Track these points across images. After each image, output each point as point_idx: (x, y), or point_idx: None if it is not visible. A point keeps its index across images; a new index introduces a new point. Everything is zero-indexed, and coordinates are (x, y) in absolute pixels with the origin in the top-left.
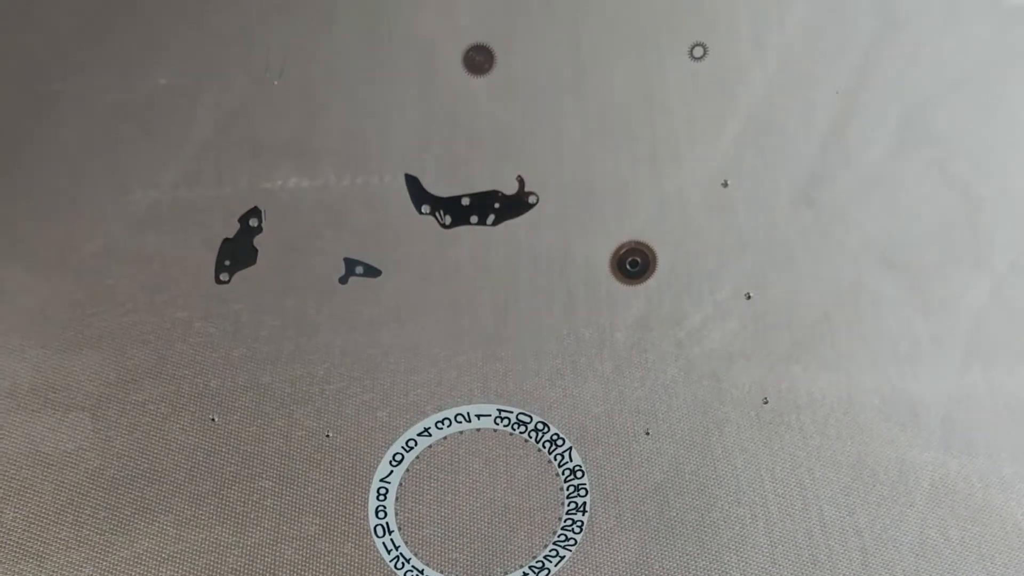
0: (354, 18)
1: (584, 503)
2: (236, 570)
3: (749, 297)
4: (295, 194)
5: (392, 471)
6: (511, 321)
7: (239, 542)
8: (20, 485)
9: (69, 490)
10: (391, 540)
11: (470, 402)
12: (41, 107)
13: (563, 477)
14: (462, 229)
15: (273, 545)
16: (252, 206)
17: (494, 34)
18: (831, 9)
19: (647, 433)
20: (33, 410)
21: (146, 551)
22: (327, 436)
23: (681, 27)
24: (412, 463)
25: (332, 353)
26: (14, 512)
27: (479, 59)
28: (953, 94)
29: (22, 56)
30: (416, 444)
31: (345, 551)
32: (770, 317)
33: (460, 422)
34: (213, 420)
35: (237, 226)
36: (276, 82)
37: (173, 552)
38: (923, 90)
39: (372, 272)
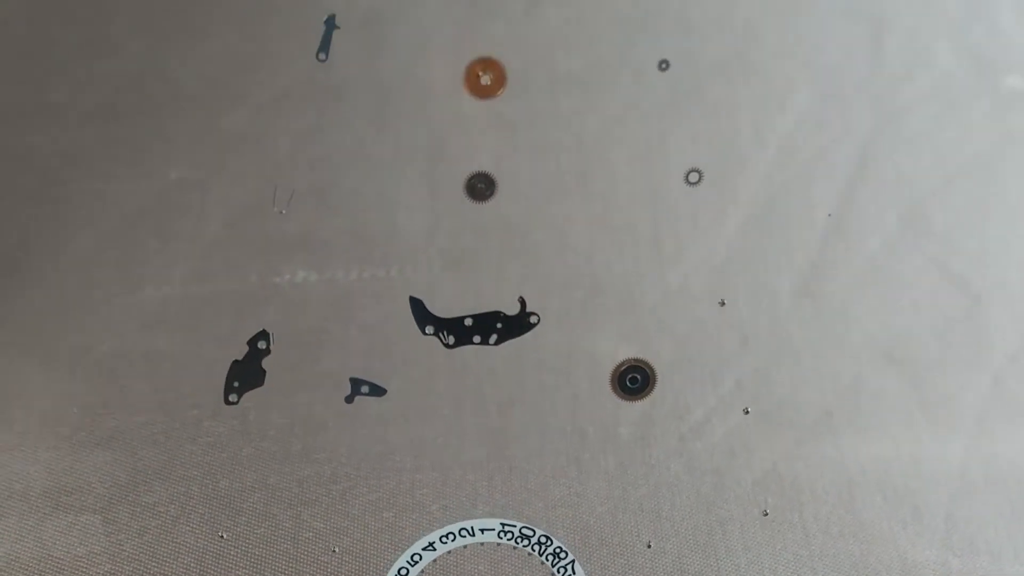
0: (363, 116)
1: None
2: None
3: (747, 412)
4: (303, 289)
5: None
6: (516, 419)
7: None
8: None
9: None
10: None
11: (475, 503)
12: (54, 208)
13: None
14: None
15: None
16: (261, 302)
17: (498, 137)
18: (830, 98)
19: (648, 546)
20: (45, 513)
21: None
22: (333, 551)
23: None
24: None
25: (339, 452)
26: None
27: (480, 186)
28: (951, 186)
29: (34, 158)
30: (421, 558)
31: None
32: (772, 413)
33: (464, 536)
34: (222, 537)
35: (244, 322)
36: (283, 211)
37: None
38: (922, 182)
39: (377, 391)
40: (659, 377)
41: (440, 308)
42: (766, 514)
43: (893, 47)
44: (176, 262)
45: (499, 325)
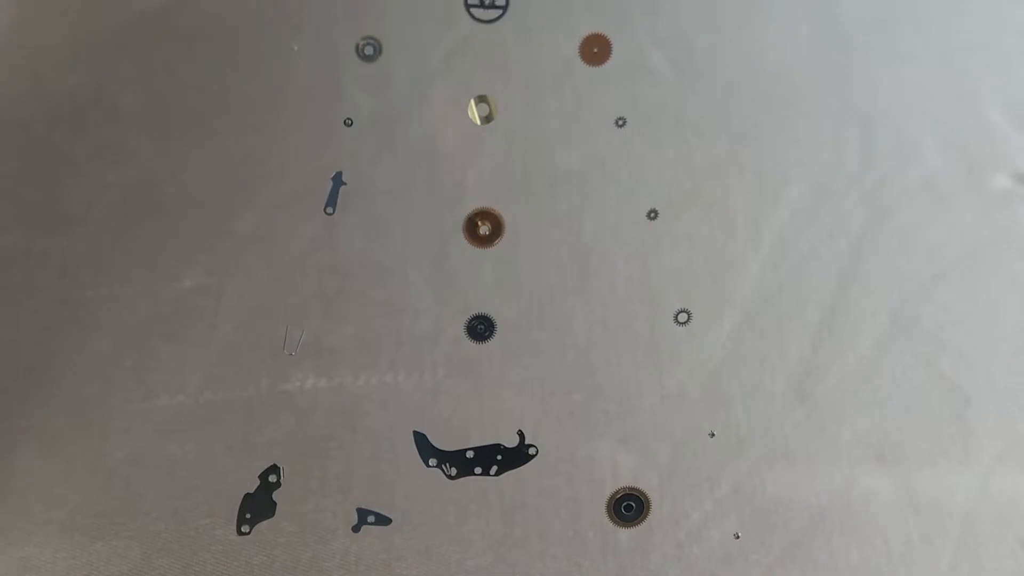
0: (371, 223)
1: None
2: None
3: (738, 537)
4: (312, 396)
5: None
6: (519, 524)
7: None
8: None
9: None
10: None
11: None
12: (70, 313)
13: None
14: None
15: None
16: (272, 409)
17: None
18: (822, 194)
19: None
20: None
21: None
22: None
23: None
24: None
25: (348, 560)
26: None
27: (480, 328)
28: (940, 284)
29: (51, 263)
30: None
31: None
32: (767, 516)
33: None
34: None
35: (256, 429)
36: (292, 353)
37: None
38: (912, 281)
39: (383, 521)
40: (653, 501)
41: (444, 412)
42: None
43: (883, 143)
44: (189, 368)
45: (499, 457)
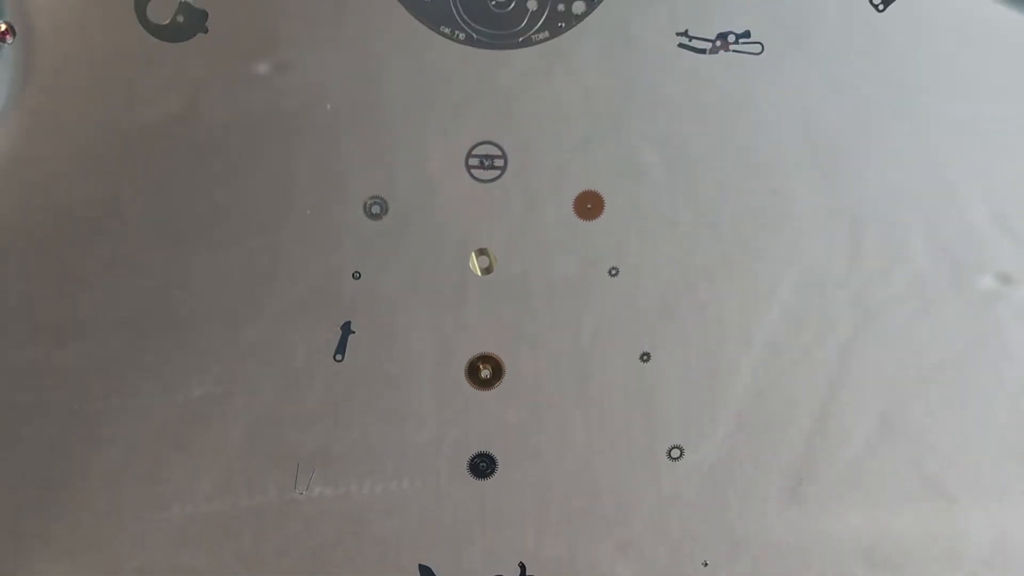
0: (375, 332)
1: None
2: None
3: (706, 565)
4: (319, 504)
5: None
6: None
7: None
8: None
9: None
10: None
11: None
12: (84, 424)
13: None
14: (475, 529)
15: None
16: (280, 517)
17: (502, 340)
18: (811, 297)
19: None
20: None
21: None
22: None
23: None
24: None
25: None
26: None
27: (482, 465)
28: (926, 388)
29: (66, 375)
30: None
31: None
32: None
33: None
34: None
35: (265, 538)
36: (303, 492)
37: None
38: (900, 383)
39: None
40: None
41: (449, 517)
42: None
43: (871, 243)
44: (200, 477)
45: None
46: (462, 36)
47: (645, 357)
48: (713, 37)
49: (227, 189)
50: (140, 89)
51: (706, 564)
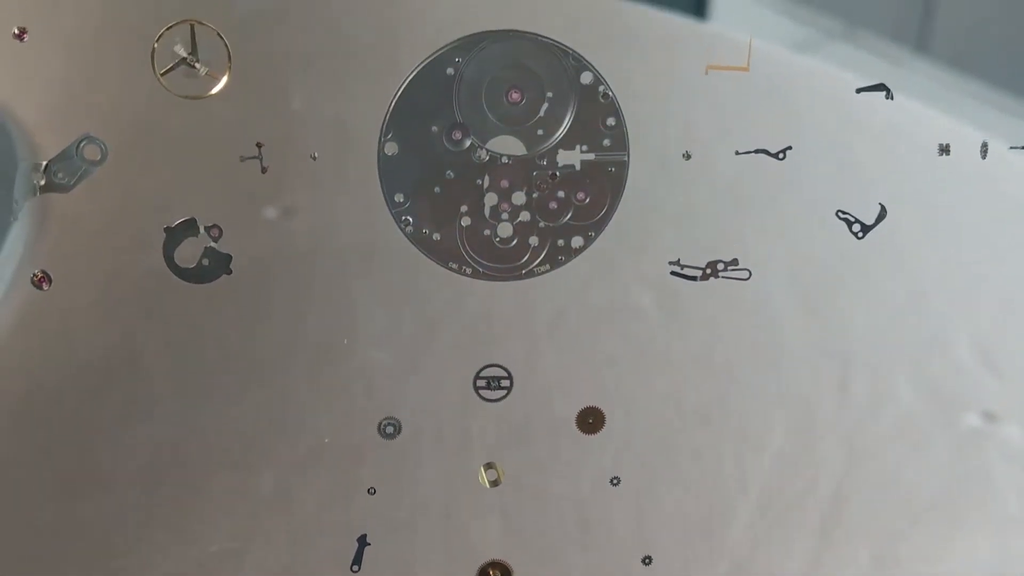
0: (378, 478)
1: None
2: None
3: None
4: None
5: None
6: None
7: None
8: None
9: None
10: None
11: None
12: None
13: None
14: None
15: None
16: None
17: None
18: (803, 439)
19: None
20: None
21: None
22: None
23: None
24: None
25: None
26: None
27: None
28: (917, 528)
29: (82, 530)
30: None
31: None
32: None
33: None
34: None
35: None
36: None
37: None
38: (890, 525)
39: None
40: None
41: None
42: None
43: (859, 385)
44: None
45: None
46: (469, 271)
47: (647, 560)
48: (703, 265)
49: (240, 332)
50: (157, 209)
51: None
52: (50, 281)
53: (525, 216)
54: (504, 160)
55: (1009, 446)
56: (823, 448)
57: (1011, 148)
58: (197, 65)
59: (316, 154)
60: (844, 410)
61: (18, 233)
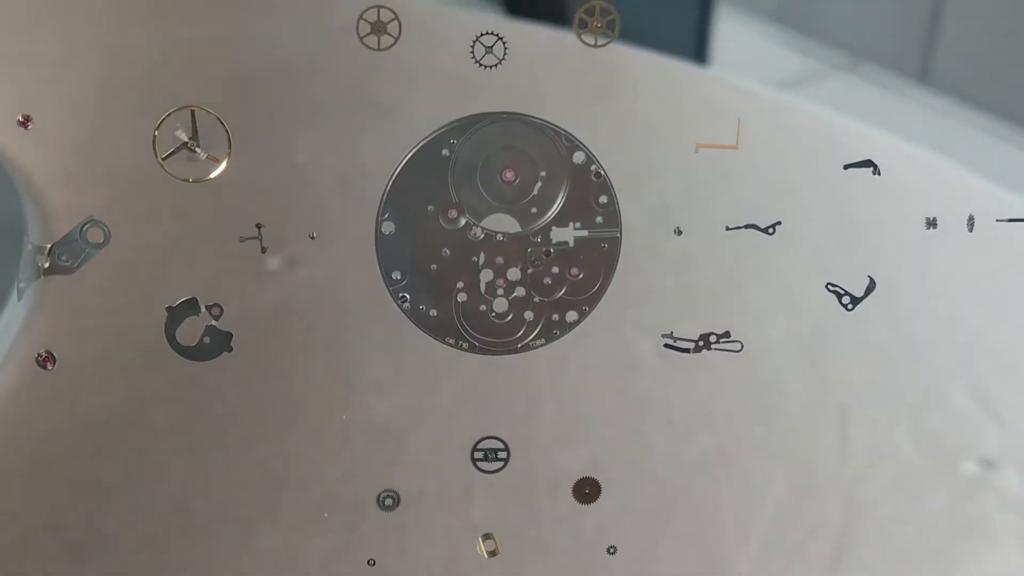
0: (379, 541)
1: None
2: None
3: None
4: None
5: None
6: None
7: None
8: None
9: None
10: None
11: None
12: None
13: None
14: None
15: None
16: None
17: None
18: (803, 492)
19: None
20: None
21: None
22: None
23: None
24: None
25: None
26: None
27: None
28: None
29: None
30: None
31: None
32: None
33: None
34: None
35: None
36: None
37: None
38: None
39: None
40: None
41: None
42: None
43: (858, 437)
44: None
45: None
46: (465, 345)
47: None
48: (696, 338)
49: (241, 388)
50: (159, 289)
51: None
52: (54, 361)
53: (520, 291)
54: (499, 237)
55: (1008, 494)
56: (823, 501)
57: (997, 220)
58: (198, 150)
59: (315, 234)
60: (844, 464)
61: (18, 309)
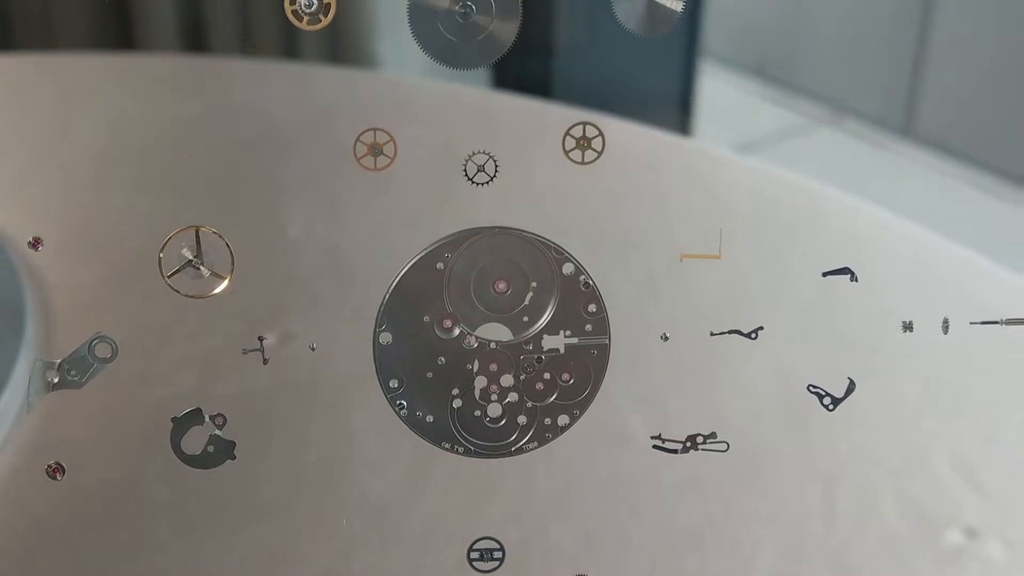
0: None
1: None
2: None
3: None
4: None
5: None
6: None
7: None
8: None
9: None
10: None
11: None
12: None
13: None
14: None
15: None
16: None
17: None
18: (792, 559)
19: None
20: None
21: None
22: None
23: None
24: None
25: None
26: None
27: None
28: None
29: None
30: None
31: None
32: None
33: None
34: None
35: None
36: None
37: None
38: None
39: None
40: None
41: None
42: None
43: (843, 505)
44: None
45: None
46: (461, 449)
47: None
48: (683, 439)
49: (238, 463)
50: (157, 367)
51: None
52: (63, 472)
53: (513, 397)
54: (492, 346)
55: (991, 563)
56: (811, 568)
57: (971, 323)
58: (202, 267)
59: (315, 345)
60: (830, 531)
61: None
